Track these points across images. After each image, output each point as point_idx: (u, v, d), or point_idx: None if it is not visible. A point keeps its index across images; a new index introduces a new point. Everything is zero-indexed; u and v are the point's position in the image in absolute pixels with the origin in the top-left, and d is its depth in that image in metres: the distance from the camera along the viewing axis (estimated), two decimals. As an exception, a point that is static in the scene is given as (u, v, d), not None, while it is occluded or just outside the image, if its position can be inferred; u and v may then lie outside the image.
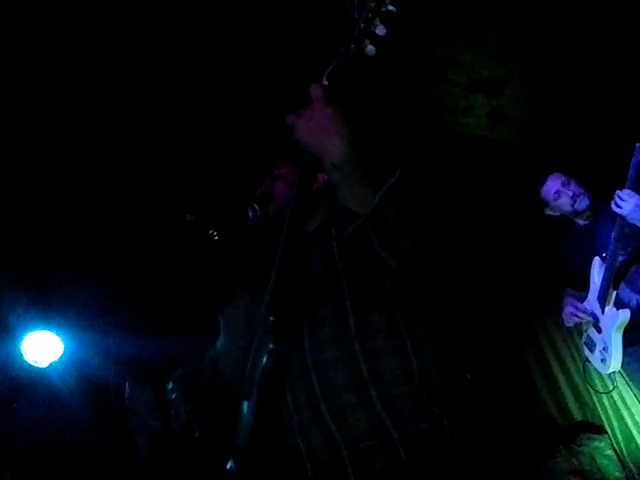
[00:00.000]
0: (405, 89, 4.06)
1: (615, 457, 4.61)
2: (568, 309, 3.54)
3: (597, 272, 3.38)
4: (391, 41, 1.25)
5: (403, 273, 1.53)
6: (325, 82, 1.43)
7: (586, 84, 4.09)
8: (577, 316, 3.47)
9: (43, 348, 4.64)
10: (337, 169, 1.41)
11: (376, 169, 1.44)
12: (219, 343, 1.89)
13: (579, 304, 3.48)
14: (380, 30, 1.22)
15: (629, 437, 4.68)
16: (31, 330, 4.63)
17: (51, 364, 4.74)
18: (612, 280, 3.28)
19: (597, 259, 3.39)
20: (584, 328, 3.59)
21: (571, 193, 3.56)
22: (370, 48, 1.26)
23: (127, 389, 4.91)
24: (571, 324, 3.59)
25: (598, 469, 4.52)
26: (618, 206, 3.13)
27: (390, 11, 1.20)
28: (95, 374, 4.89)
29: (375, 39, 1.25)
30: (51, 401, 4.76)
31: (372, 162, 1.45)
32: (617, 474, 4.49)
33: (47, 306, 4.71)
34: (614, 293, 3.29)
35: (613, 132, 4.02)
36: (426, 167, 4.26)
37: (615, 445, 4.69)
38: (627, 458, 4.60)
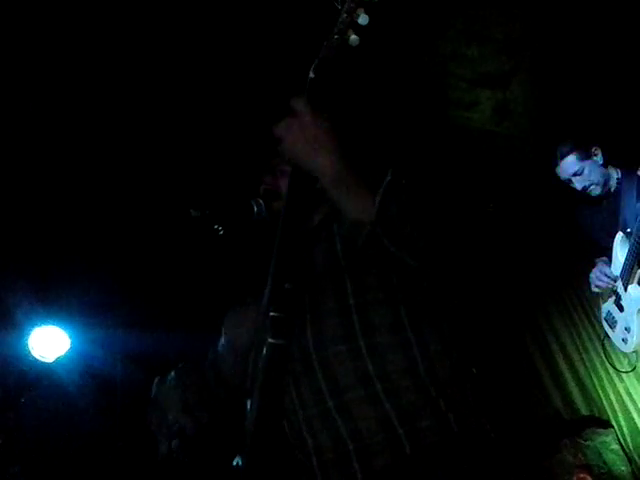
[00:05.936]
0: (410, 84, 4.06)
1: (621, 451, 4.62)
2: (595, 271, 3.41)
3: (620, 248, 3.24)
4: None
5: (422, 270, 1.51)
6: (312, 75, 1.42)
7: (592, 78, 4.07)
8: (602, 280, 3.34)
9: (50, 343, 4.65)
10: (333, 186, 1.42)
11: (370, 174, 1.44)
12: (220, 343, 1.90)
13: (607, 269, 3.33)
14: (362, 20, 1.22)
15: (635, 431, 4.66)
16: (38, 325, 4.64)
17: (58, 359, 4.74)
18: (637, 258, 3.11)
19: (620, 234, 3.24)
20: (602, 300, 3.47)
21: (581, 185, 3.35)
22: (354, 38, 1.26)
23: (155, 382, 4.90)
24: (595, 289, 3.45)
25: (604, 463, 4.53)
26: None
27: (372, 1, 1.21)
28: (101, 369, 4.91)
29: (358, 29, 1.26)
30: (58, 396, 4.79)
31: (366, 168, 1.45)
32: (623, 468, 4.50)
33: (53, 301, 4.73)
34: (639, 271, 3.16)
35: (619, 126, 4.00)
36: (431, 162, 4.25)
37: (621, 439, 4.69)
38: (633, 452, 4.60)
